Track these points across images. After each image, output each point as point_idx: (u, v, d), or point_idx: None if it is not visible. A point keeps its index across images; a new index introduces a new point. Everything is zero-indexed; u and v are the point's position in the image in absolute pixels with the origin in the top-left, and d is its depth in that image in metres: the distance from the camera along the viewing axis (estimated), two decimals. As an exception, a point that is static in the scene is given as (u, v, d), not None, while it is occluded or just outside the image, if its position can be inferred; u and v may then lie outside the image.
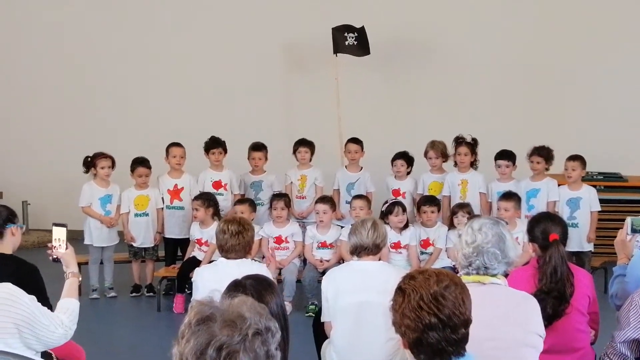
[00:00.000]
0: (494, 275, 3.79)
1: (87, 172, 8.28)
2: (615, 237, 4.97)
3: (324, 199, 8.09)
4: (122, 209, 8.38)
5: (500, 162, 8.32)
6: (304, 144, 8.82)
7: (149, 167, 8.40)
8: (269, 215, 8.34)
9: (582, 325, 4.57)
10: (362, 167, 8.86)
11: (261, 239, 7.84)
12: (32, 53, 11.07)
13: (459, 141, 8.48)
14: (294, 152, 8.82)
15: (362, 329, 4.74)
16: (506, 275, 3.98)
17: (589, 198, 8.24)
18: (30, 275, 4.62)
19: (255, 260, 5.86)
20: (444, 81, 10.31)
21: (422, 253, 7.87)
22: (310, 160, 8.84)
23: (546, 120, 10.04)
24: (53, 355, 4.43)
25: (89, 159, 8.26)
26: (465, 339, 2.83)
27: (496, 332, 3.55)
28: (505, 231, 3.87)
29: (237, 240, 5.14)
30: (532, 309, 3.76)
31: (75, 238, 5.39)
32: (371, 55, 9.57)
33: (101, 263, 8.39)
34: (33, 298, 3.99)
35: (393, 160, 8.67)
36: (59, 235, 4.49)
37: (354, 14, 9.71)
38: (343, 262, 6.84)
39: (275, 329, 2.32)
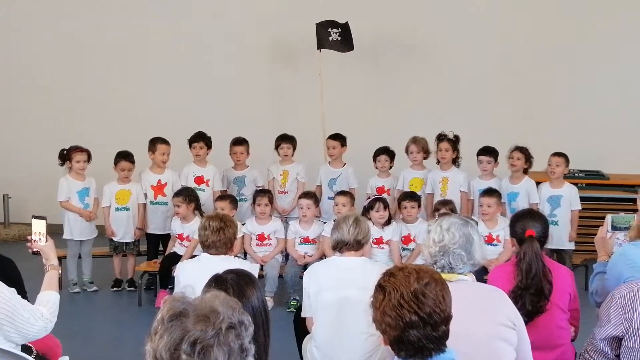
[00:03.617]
0: (460, 273, 3.79)
1: (62, 164, 8.22)
2: (596, 234, 4.99)
3: (307, 195, 8.09)
4: (103, 203, 8.35)
5: (482, 157, 8.33)
6: (286, 139, 8.81)
7: (133, 162, 8.35)
8: (251, 211, 8.33)
9: (563, 322, 4.59)
10: (345, 163, 8.86)
11: (243, 236, 7.81)
12: (11, 47, 10.96)
13: (440, 137, 8.49)
14: (276, 147, 8.81)
15: (343, 325, 4.74)
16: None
17: (570, 196, 8.25)
18: (7, 268, 4.60)
19: (239, 257, 5.83)
20: (427, 78, 10.32)
21: (403, 249, 7.87)
22: (292, 155, 8.84)
23: (528, 118, 10.08)
24: (33, 348, 4.41)
25: (65, 151, 8.22)
26: (445, 335, 2.83)
27: (466, 327, 3.54)
28: (473, 232, 3.86)
29: (217, 237, 5.15)
30: (499, 300, 3.73)
31: (55, 232, 5.34)
32: (355, 51, 9.54)
33: (79, 257, 8.35)
34: (13, 291, 3.96)
35: (376, 155, 8.69)
36: (39, 228, 4.45)
37: (338, 10, 9.68)
38: (325, 258, 6.83)
39: (249, 323, 2.33)
